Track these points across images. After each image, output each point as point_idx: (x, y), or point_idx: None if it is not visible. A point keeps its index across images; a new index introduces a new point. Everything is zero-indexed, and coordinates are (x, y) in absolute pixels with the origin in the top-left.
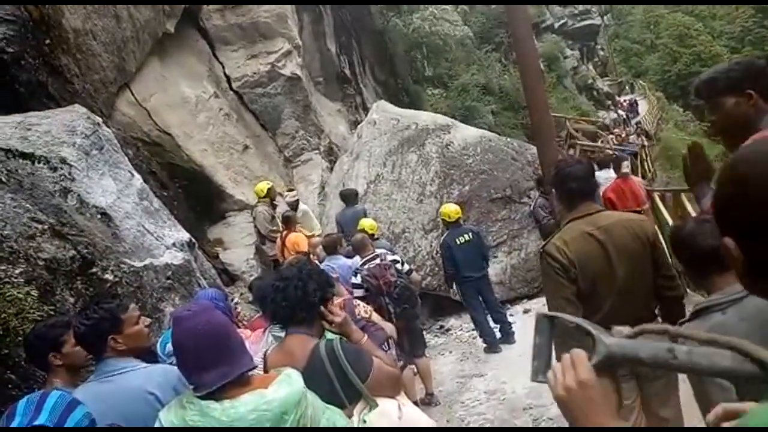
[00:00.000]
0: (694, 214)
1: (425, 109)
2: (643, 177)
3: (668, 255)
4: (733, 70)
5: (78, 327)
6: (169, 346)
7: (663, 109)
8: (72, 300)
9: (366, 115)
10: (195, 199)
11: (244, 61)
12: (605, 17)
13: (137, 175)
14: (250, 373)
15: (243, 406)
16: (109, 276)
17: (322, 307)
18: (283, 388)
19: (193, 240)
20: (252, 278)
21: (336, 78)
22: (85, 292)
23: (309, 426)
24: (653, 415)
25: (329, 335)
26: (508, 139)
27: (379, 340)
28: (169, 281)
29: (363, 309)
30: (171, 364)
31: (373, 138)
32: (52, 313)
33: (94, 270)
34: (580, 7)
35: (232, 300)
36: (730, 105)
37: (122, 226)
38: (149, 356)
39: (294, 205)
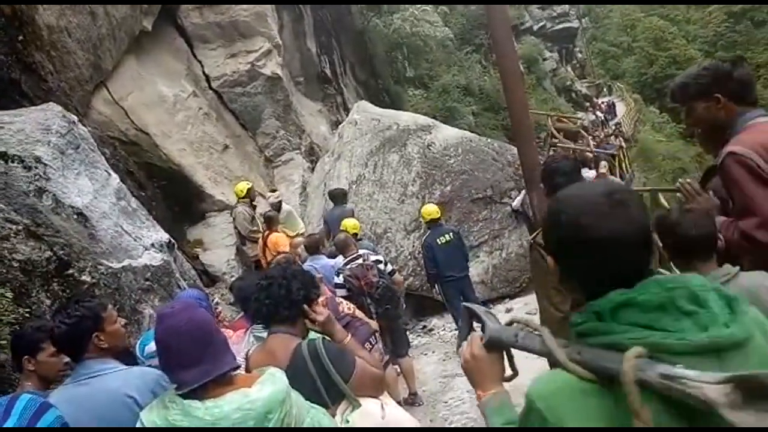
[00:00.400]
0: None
1: (406, 110)
2: (621, 177)
3: None
4: (702, 75)
5: (59, 326)
6: (148, 348)
7: (640, 111)
8: (48, 302)
9: (347, 115)
10: (174, 199)
11: (223, 60)
12: (583, 20)
13: (114, 175)
14: (233, 372)
15: (227, 405)
16: (86, 277)
17: (305, 306)
18: (267, 387)
19: (173, 241)
20: (233, 279)
21: (316, 78)
22: (61, 294)
23: (293, 425)
24: None
25: (312, 335)
26: (489, 140)
27: (364, 335)
28: (148, 282)
29: (346, 306)
30: (150, 366)
31: (355, 138)
32: (27, 315)
33: (70, 271)
34: (559, 10)
35: (213, 301)
36: (701, 109)
37: (99, 227)
38: (127, 358)
39: (277, 206)
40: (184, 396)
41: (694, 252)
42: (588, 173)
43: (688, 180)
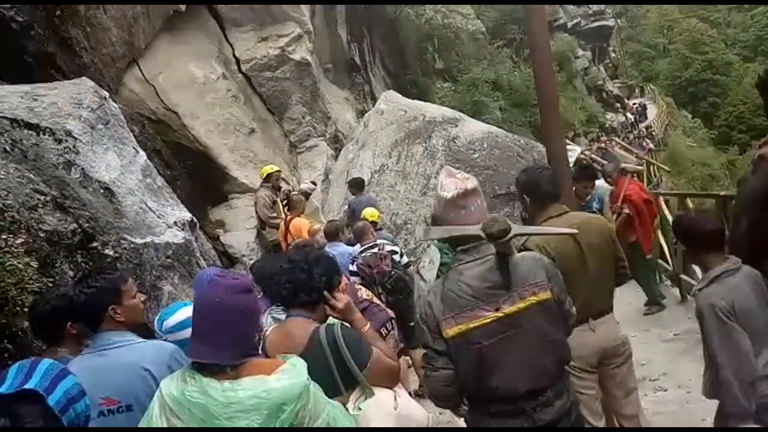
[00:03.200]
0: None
1: (433, 102)
2: (649, 182)
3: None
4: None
5: (78, 295)
6: (167, 323)
7: (672, 115)
8: (71, 273)
9: (374, 104)
10: (198, 179)
11: (254, 44)
12: (619, 19)
13: (142, 152)
14: (254, 358)
15: (243, 390)
16: (109, 251)
17: (325, 292)
18: (286, 378)
19: (195, 220)
20: (252, 261)
21: (345, 66)
22: (84, 266)
23: (307, 420)
24: (618, 415)
25: (332, 320)
26: (516, 136)
27: (381, 320)
28: (169, 260)
29: (365, 292)
30: (167, 341)
31: (380, 128)
32: (50, 285)
33: (94, 244)
34: (594, 8)
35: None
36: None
37: (124, 202)
38: (146, 332)
39: (306, 195)
40: (204, 373)
41: (707, 245)
42: (602, 183)
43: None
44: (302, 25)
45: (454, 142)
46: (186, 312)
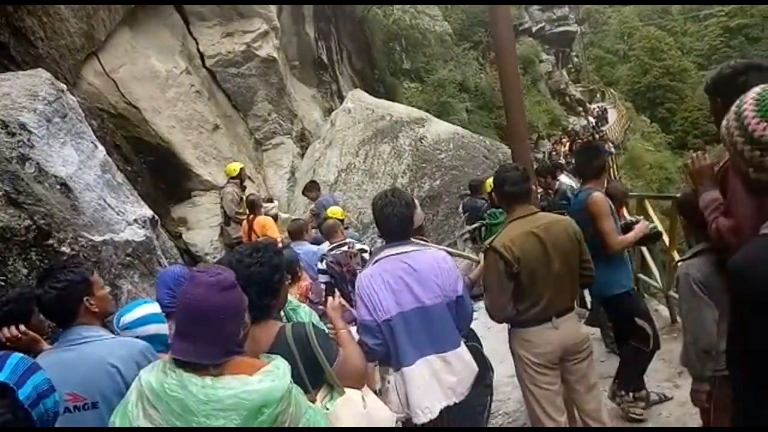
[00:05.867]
0: (653, 217)
1: (400, 102)
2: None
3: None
4: (715, 75)
5: (48, 292)
6: (124, 318)
7: (631, 119)
8: (25, 271)
9: (341, 103)
10: (160, 176)
11: (219, 39)
12: (582, 25)
13: (101, 147)
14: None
15: (223, 388)
16: (65, 249)
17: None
18: (269, 380)
19: (156, 217)
20: (215, 260)
21: (312, 63)
22: (39, 264)
23: (287, 424)
24: (581, 411)
25: (303, 315)
26: (481, 137)
27: (345, 320)
28: (128, 258)
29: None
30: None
31: (347, 126)
32: (2, 283)
33: (50, 242)
34: (558, 13)
35: None
36: (713, 107)
37: (82, 198)
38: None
39: (274, 218)
40: (186, 368)
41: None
42: (564, 179)
43: (705, 155)
44: (269, 22)
45: (421, 142)
46: (145, 309)
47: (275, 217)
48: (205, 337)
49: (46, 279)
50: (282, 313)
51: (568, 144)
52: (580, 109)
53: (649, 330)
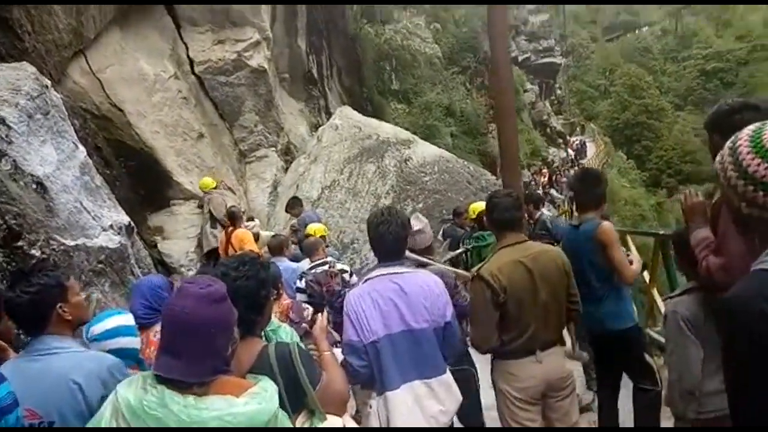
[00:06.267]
0: (634, 253)
1: (387, 122)
2: None
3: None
4: (713, 113)
5: (19, 296)
6: (93, 329)
7: (609, 154)
8: None
9: (328, 119)
10: (140, 181)
11: (209, 46)
12: (566, 58)
13: (81, 148)
14: (224, 374)
15: (207, 409)
16: (35, 251)
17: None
18: (254, 403)
19: (132, 224)
20: (191, 273)
21: (302, 77)
22: (5, 266)
23: None
24: None
25: (284, 336)
26: (465, 163)
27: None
28: (100, 265)
29: (311, 312)
30: (93, 350)
31: (334, 143)
32: None
33: (20, 243)
34: (544, 44)
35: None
36: (711, 143)
37: (58, 200)
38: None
39: (256, 236)
40: (168, 385)
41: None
42: (545, 210)
43: (697, 192)
44: (261, 32)
45: (406, 164)
46: (116, 320)
47: (256, 236)
48: (192, 352)
49: (18, 282)
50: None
51: (547, 176)
52: (561, 141)
53: (654, 366)
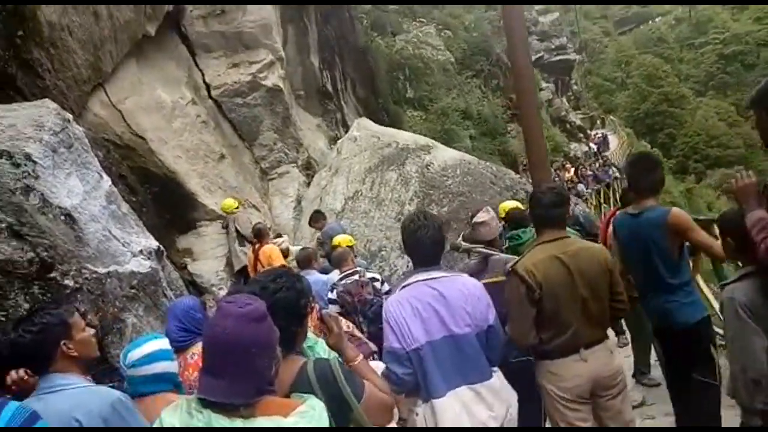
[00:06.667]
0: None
1: (405, 130)
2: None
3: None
4: (761, 89)
5: (22, 336)
6: (131, 355)
7: (632, 145)
8: (27, 306)
9: (346, 131)
10: (165, 206)
11: (224, 70)
12: (580, 54)
13: (106, 177)
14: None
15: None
16: (69, 282)
17: (328, 318)
18: (304, 422)
19: (162, 248)
20: (222, 291)
21: (317, 92)
22: (41, 298)
23: None
24: None
25: (321, 352)
26: (487, 163)
27: (364, 354)
28: (133, 290)
29: (345, 324)
30: (134, 376)
31: (353, 154)
32: (2, 319)
33: (53, 274)
34: (556, 42)
35: (211, 308)
36: (759, 119)
37: (87, 230)
38: (109, 369)
39: (286, 252)
40: (213, 408)
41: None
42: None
43: (749, 172)
44: (274, 52)
45: (428, 169)
46: (153, 345)
47: (286, 251)
48: (235, 373)
49: (22, 322)
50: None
51: (572, 170)
52: (581, 135)
53: (717, 359)
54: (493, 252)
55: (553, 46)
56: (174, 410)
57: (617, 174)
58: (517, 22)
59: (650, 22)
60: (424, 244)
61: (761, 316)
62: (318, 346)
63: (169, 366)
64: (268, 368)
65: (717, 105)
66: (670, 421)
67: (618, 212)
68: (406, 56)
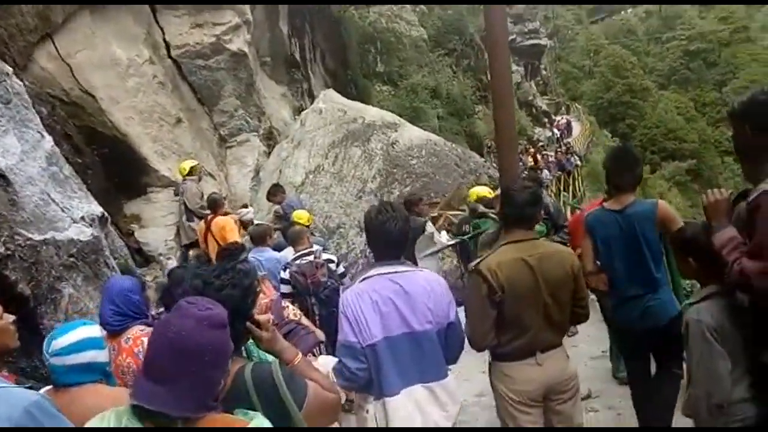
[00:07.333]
0: None
1: (372, 105)
2: (574, 196)
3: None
4: (747, 102)
5: None
6: (56, 343)
7: (594, 133)
8: None
9: (311, 102)
10: (114, 169)
11: (187, 29)
12: (551, 40)
13: (48, 137)
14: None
15: None
16: None
17: (249, 324)
18: None
19: (106, 215)
20: (171, 264)
21: (284, 61)
22: None
23: None
24: None
25: (262, 355)
26: (453, 145)
27: (308, 345)
28: (72, 259)
29: (292, 311)
30: (58, 365)
31: (318, 127)
32: None
33: None
34: (530, 26)
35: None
36: (741, 132)
37: (22, 192)
38: (41, 342)
39: (250, 222)
40: (146, 421)
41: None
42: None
43: (721, 189)
44: (241, 15)
45: (393, 147)
46: (83, 332)
47: (250, 223)
48: (182, 381)
49: None
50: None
51: (532, 156)
52: (546, 120)
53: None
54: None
55: (526, 30)
56: (101, 419)
57: (578, 162)
58: (499, 11)
59: (622, 12)
60: (392, 237)
61: (726, 338)
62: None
63: (99, 355)
64: (217, 382)
65: (677, 99)
66: (613, 415)
67: (592, 209)
68: (379, 29)
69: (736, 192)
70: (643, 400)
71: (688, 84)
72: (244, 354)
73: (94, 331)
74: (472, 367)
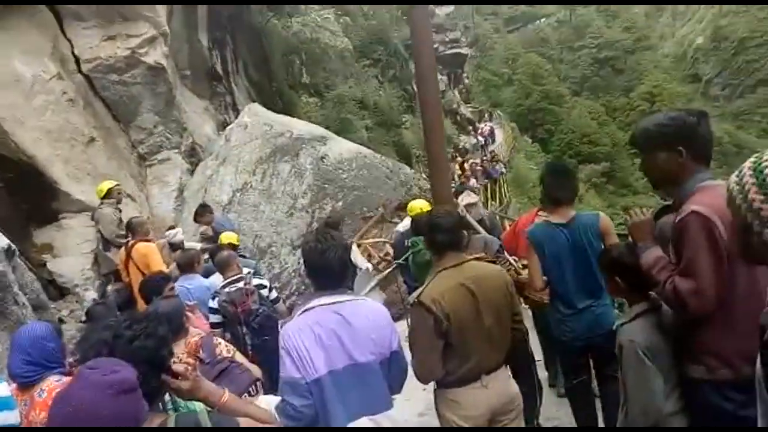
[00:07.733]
0: None
1: (299, 117)
2: (500, 202)
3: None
4: (667, 125)
5: None
6: None
7: (515, 139)
8: None
9: (236, 116)
10: (21, 196)
11: (98, 42)
12: (471, 49)
13: None
14: None
15: None
16: None
17: (165, 376)
18: None
19: (13, 246)
20: (87, 293)
21: (206, 74)
22: None
23: None
24: None
25: (189, 404)
26: (383, 158)
27: (243, 384)
28: None
29: (225, 348)
30: None
31: (243, 143)
32: None
33: None
34: (451, 36)
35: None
36: (662, 159)
37: None
38: None
39: (180, 245)
40: None
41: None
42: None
43: (644, 209)
44: (157, 27)
45: (323, 161)
46: None
47: (180, 245)
48: None
49: None
50: (167, 396)
51: (459, 164)
52: (470, 128)
53: None
54: (480, 229)
55: (447, 39)
56: None
57: (503, 169)
58: (422, 10)
59: (537, 22)
60: (332, 267)
61: (657, 354)
62: None
63: (9, 416)
64: None
65: (590, 105)
66: (553, 425)
67: (532, 225)
68: (303, 40)
69: (656, 208)
70: (589, 419)
71: (599, 90)
72: (170, 405)
73: (2, 389)
74: (411, 387)
